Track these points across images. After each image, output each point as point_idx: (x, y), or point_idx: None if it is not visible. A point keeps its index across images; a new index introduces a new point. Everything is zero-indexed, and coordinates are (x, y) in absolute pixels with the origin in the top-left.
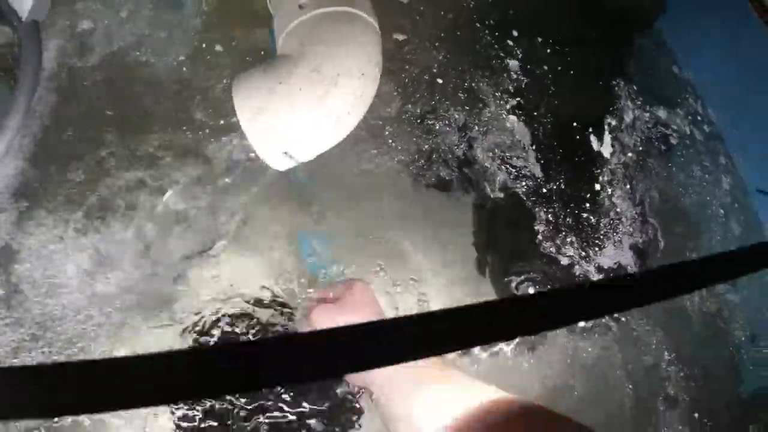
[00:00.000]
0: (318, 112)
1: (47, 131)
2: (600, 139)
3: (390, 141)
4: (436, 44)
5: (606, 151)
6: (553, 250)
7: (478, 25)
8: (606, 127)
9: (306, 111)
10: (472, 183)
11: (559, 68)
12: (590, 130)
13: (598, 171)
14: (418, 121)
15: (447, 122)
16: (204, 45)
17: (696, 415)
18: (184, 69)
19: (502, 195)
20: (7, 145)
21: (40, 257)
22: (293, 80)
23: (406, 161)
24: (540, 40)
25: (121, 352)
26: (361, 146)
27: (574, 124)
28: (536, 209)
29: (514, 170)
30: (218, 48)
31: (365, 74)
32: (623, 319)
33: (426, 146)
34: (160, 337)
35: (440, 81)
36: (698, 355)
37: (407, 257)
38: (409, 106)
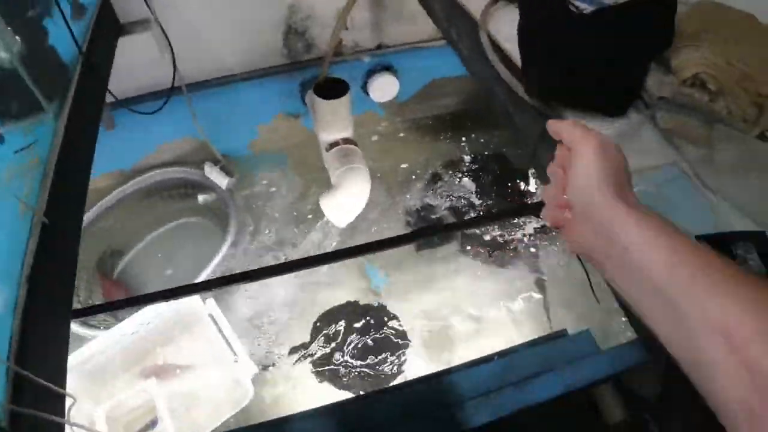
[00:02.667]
0: (345, 208)
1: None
2: (527, 184)
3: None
4: (420, 156)
5: (532, 188)
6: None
7: (442, 137)
8: (530, 175)
9: (343, 208)
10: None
11: (499, 146)
12: (518, 180)
13: (525, 198)
14: (398, 199)
15: (418, 195)
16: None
17: None
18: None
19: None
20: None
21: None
22: (338, 199)
23: (396, 220)
24: (474, 135)
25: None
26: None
27: (509, 184)
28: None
29: (456, 199)
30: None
31: (362, 190)
32: None
33: (402, 208)
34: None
35: (414, 177)
36: None
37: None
38: (394, 192)
